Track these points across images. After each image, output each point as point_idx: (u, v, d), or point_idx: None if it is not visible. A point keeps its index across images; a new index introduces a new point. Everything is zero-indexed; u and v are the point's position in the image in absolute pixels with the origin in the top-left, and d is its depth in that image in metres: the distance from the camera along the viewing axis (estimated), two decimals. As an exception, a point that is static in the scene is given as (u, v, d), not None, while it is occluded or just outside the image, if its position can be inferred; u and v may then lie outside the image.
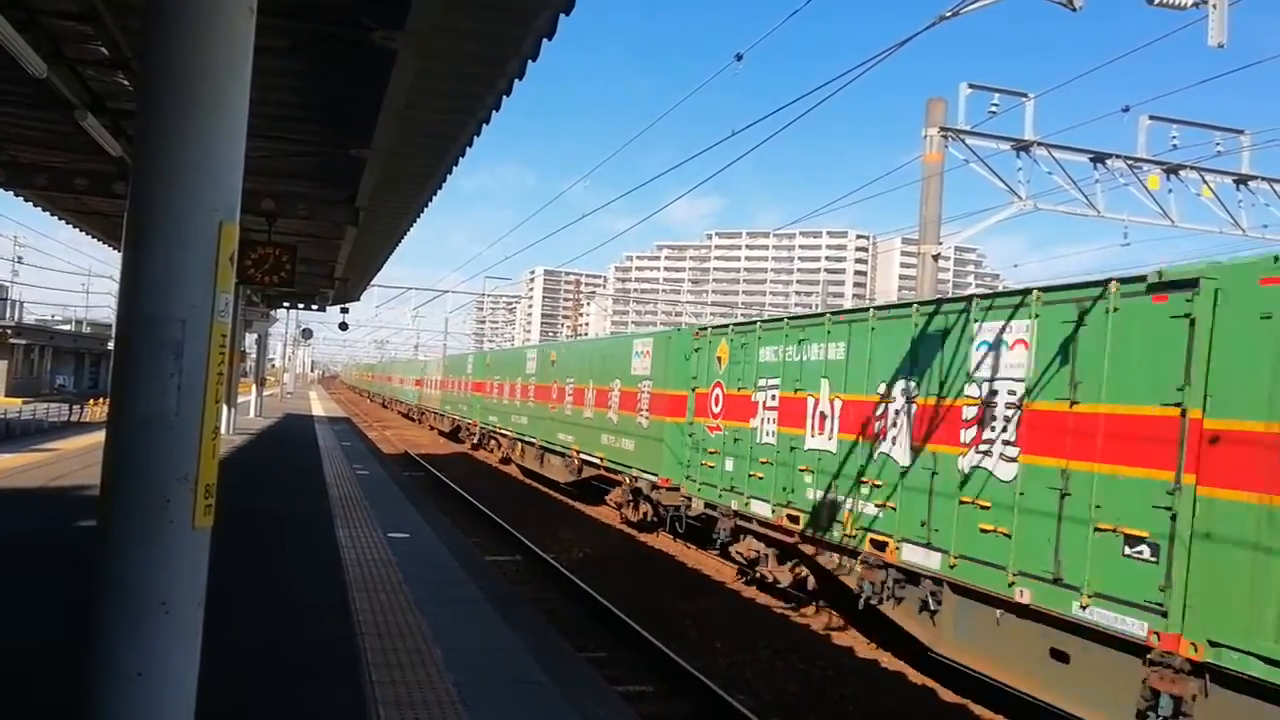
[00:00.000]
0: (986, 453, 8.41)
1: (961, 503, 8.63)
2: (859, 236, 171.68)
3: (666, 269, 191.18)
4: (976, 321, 8.86)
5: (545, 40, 6.47)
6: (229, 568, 6.01)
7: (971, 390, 8.76)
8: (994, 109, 16.15)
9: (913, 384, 9.64)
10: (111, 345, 3.91)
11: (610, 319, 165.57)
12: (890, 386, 10.01)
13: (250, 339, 35.00)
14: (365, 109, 8.57)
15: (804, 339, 11.93)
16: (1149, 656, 6.60)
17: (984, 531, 8.30)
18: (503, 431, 28.77)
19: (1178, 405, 6.58)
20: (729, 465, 13.46)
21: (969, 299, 9.13)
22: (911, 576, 9.38)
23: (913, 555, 9.31)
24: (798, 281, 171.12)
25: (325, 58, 7.63)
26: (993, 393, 8.46)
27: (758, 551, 12.53)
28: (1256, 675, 5.88)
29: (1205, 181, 17.52)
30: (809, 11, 10.02)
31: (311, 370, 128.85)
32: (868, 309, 10.93)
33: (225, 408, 20.12)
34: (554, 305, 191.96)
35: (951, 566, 8.68)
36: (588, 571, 13.39)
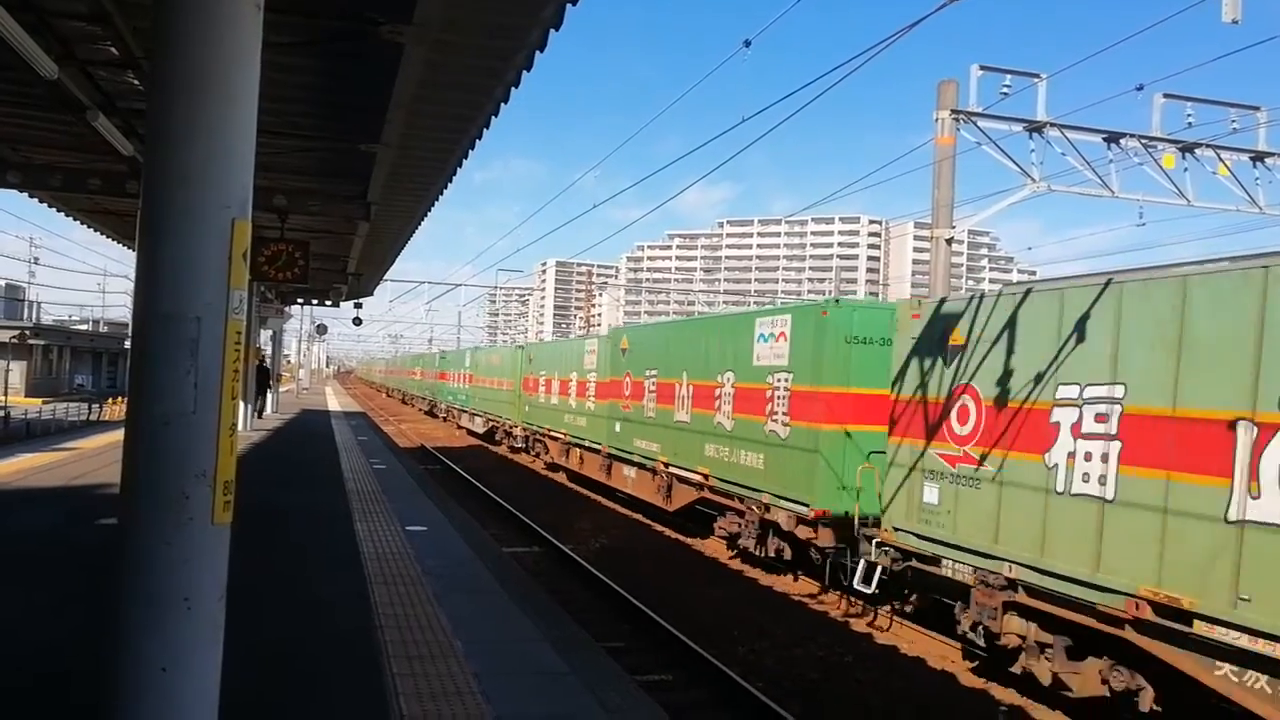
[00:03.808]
0: None
1: None
2: (872, 222, 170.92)
3: (678, 258, 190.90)
4: None
5: (553, 31, 6.45)
6: (249, 563, 6.05)
7: None
8: (1006, 90, 16.01)
9: None
10: (128, 344, 3.93)
11: (623, 309, 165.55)
12: None
13: (265, 335, 35.18)
14: (374, 103, 8.58)
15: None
16: None
17: None
18: (553, 434, 24.77)
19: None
20: (999, 514, 8.59)
21: None
22: None
23: None
24: (810, 268, 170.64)
25: (334, 53, 7.64)
26: None
27: (1023, 638, 8.37)
28: None
29: (1221, 159, 17.34)
30: (817, -4, 9.95)
31: (327, 366, 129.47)
32: None
33: (242, 404, 20.28)
34: (566, 297, 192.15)
35: None
36: (605, 561, 13.44)
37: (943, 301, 9.88)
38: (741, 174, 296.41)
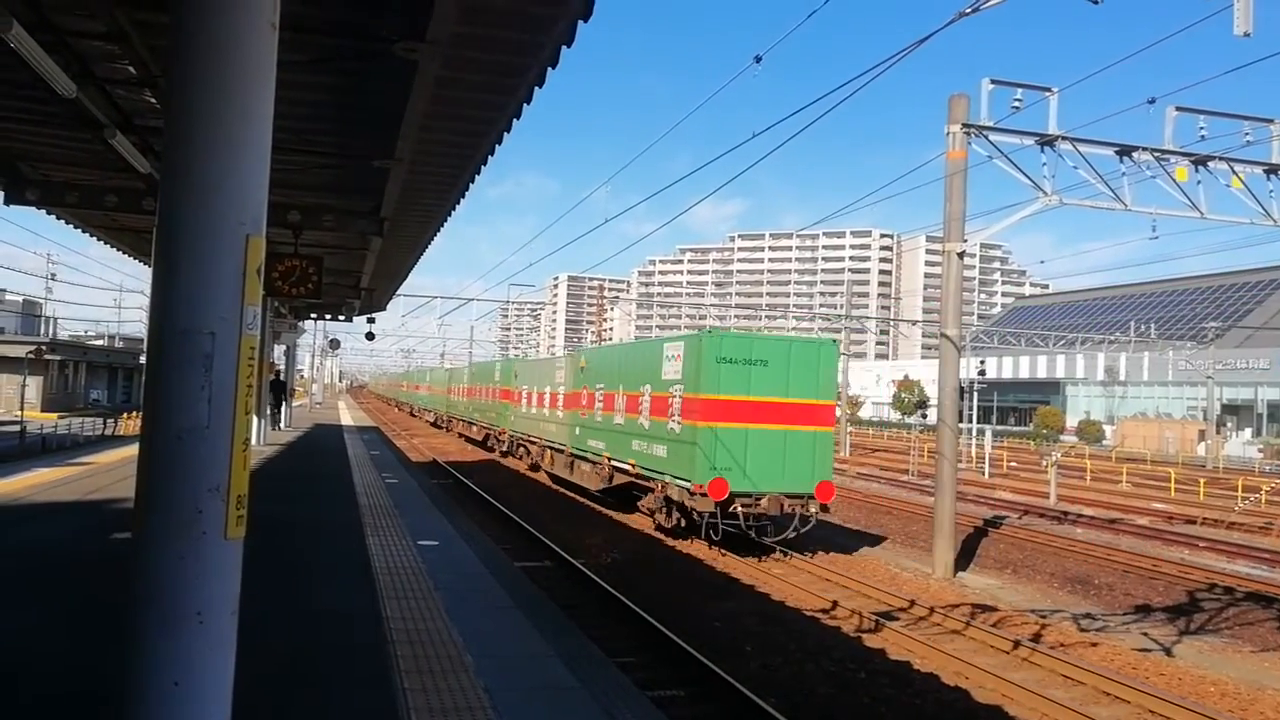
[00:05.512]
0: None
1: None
2: (883, 235, 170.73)
3: (690, 272, 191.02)
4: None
5: (564, 47, 6.50)
6: (262, 577, 6.07)
7: None
8: (1017, 104, 16.00)
9: None
10: (143, 359, 3.97)
11: (634, 323, 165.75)
12: None
13: (279, 350, 35.34)
14: (388, 120, 8.65)
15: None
16: None
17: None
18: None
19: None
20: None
21: None
22: None
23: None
24: (822, 282, 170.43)
25: (348, 70, 7.71)
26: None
27: None
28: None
29: (1235, 172, 17.26)
30: (827, 12, 10.00)
31: (340, 380, 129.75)
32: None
33: (255, 419, 20.29)
34: (578, 311, 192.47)
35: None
36: (616, 575, 13.40)
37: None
38: (752, 189, 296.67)
